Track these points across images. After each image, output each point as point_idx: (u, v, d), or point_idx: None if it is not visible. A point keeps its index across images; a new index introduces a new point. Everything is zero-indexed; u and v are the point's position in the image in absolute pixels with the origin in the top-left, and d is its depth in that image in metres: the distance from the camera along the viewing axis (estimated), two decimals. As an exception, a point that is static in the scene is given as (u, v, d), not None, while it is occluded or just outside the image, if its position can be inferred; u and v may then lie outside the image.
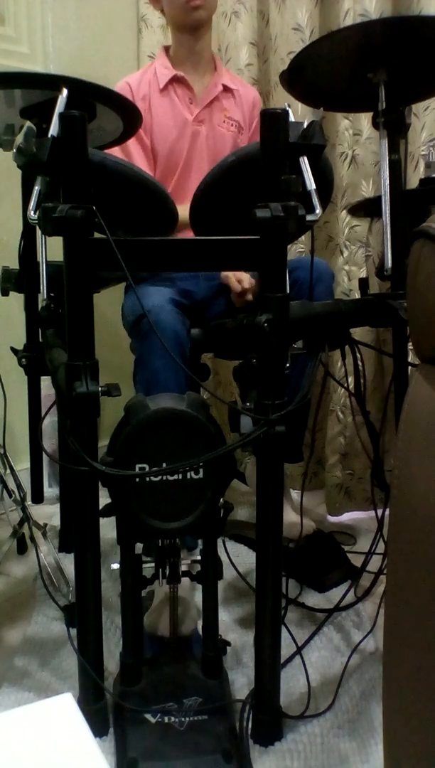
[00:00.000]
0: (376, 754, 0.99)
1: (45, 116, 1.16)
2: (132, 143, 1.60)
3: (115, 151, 1.53)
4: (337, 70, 1.25)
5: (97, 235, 0.94)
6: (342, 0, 1.73)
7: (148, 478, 0.95)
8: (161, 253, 0.97)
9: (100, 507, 0.98)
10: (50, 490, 1.98)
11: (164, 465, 0.94)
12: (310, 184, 1.01)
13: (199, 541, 1.07)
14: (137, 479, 0.95)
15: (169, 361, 1.29)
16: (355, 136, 1.81)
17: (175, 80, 1.70)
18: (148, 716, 0.99)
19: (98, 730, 1.02)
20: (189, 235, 1.27)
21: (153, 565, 1.07)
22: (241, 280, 1.51)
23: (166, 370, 1.31)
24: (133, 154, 1.64)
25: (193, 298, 1.56)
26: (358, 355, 1.26)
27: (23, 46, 1.90)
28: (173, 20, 1.69)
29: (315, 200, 1.00)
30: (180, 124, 1.68)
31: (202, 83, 1.73)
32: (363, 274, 1.83)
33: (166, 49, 1.76)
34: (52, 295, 1.19)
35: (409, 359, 1.27)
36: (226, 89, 1.73)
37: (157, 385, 1.31)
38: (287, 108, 0.96)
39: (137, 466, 0.94)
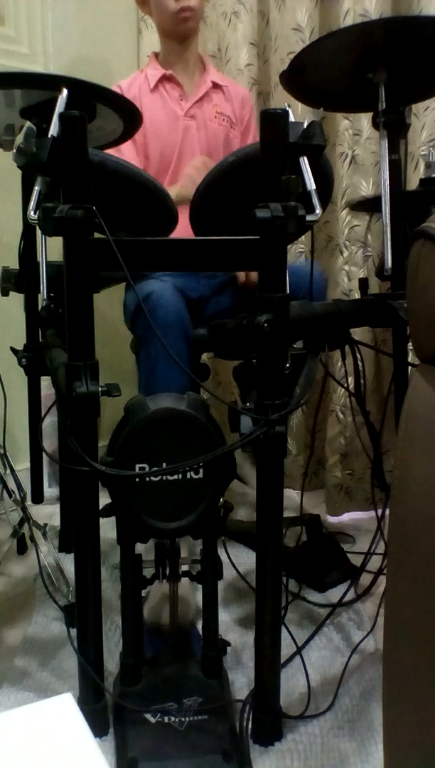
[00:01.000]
0: (376, 754, 0.99)
1: (45, 116, 1.16)
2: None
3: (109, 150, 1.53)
4: (337, 70, 1.25)
5: (97, 235, 0.94)
6: (342, 0, 1.74)
7: (147, 478, 0.95)
8: (161, 253, 0.97)
9: (100, 507, 0.98)
10: (50, 490, 1.98)
11: (164, 465, 0.94)
12: (310, 184, 1.01)
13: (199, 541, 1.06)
14: (137, 479, 0.95)
15: (171, 343, 1.28)
16: (355, 136, 1.81)
17: (165, 79, 1.73)
18: (148, 716, 0.99)
19: (98, 730, 1.02)
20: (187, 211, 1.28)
21: (153, 565, 1.07)
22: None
23: (169, 355, 1.31)
24: (122, 149, 1.64)
25: (191, 295, 1.56)
26: (358, 355, 1.26)
27: (23, 46, 1.90)
28: (162, 28, 1.74)
29: (315, 200, 1.00)
30: (171, 120, 1.70)
31: (192, 81, 1.76)
32: (363, 274, 1.83)
33: (156, 54, 1.81)
34: (52, 295, 1.19)
35: (409, 359, 1.27)
36: (216, 86, 1.77)
37: (158, 367, 1.30)
38: (287, 108, 0.96)
39: (137, 466, 0.94)
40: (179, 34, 1.70)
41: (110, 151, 1.52)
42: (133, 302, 1.49)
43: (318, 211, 0.99)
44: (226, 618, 1.34)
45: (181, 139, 1.70)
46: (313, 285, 1.47)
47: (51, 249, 1.16)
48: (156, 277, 1.47)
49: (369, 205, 1.49)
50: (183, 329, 1.32)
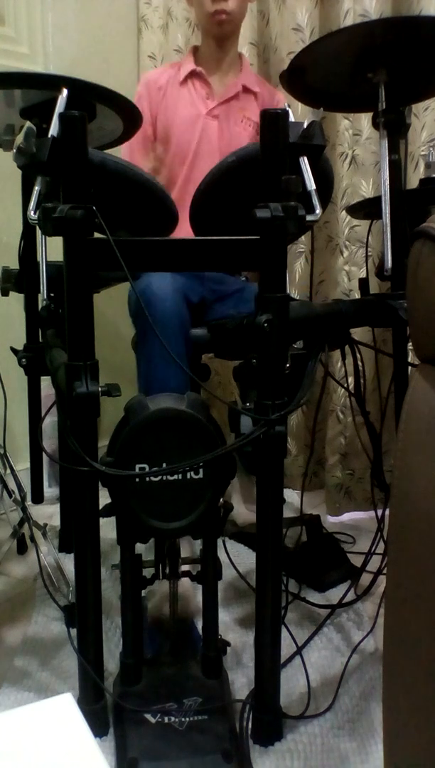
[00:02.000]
0: (376, 754, 0.99)
1: (45, 116, 1.16)
2: (135, 137, 1.60)
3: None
4: (337, 70, 1.25)
5: (97, 235, 0.94)
6: (342, 0, 1.73)
7: (148, 478, 0.95)
8: (161, 253, 0.97)
9: (100, 507, 0.98)
10: (50, 490, 1.98)
11: (164, 465, 0.94)
12: (310, 184, 1.01)
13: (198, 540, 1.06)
14: (137, 479, 0.95)
15: (170, 341, 1.28)
16: (355, 136, 1.81)
17: (194, 74, 1.72)
18: (148, 716, 0.99)
19: (98, 730, 1.02)
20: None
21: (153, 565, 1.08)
22: None
23: (167, 354, 1.31)
24: (133, 146, 1.64)
25: (192, 296, 1.56)
26: (358, 355, 1.26)
27: (23, 46, 1.90)
28: (200, 25, 1.74)
29: (315, 200, 1.00)
30: (192, 116, 1.69)
31: (223, 82, 1.74)
32: (363, 274, 1.83)
33: (196, 48, 1.79)
34: (52, 295, 1.19)
35: (409, 359, 1.27)
36: (248, 90, 1.74)
37: (158, 364, 1.30)
38: (287, 108, 0.96)
39: (137, 466, 0.94)
40: (214, 35, 1.70)
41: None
42: (135, 298, 1.49)
43: (318, 211, 0.99)
44: (226, 618, 1.34)
45: (199, 138, 1.69)
46: None
47: (51, 249, 1.16)
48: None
49: (368, 210, 1.49)
50: (181, 327, 1.32)
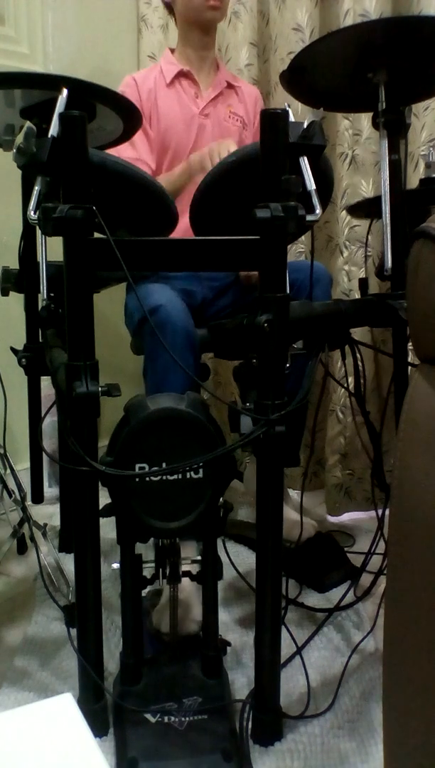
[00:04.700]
0: (376, 754, 0.99)
1: (45, 116, 1.16)
2: (137, 134, 1.60)
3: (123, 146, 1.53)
4: (337, 70, 1.25)
5: (97, 235, 0.95)
6: (342, 0, 1.74)
7: (147, 478, 0.95)
8: (161, 253, 0.97)
9: (100, 507, 0.98)
10: (50, 490, 1.98)
11: (164, 465, 0.94)
12: (310, 184, 1.01)
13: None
14: (137, 479, 0.95)
15: (178, 357, 1.28)
16: (355, 136, 1.81)
17: (181, 75, 1.72)
18: (148, 716, 0.99)
19: (98, 730, 1.02)
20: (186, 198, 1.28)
21: (153, 565, 1.07)
22: None
23: (177, 367, 1.31)
24: (136, 143, 1.64)
25: (193, 298, 1.56)
26: (358, 355, 1.26)
27: (23, 46, 1.90)
28: (186, 17, 1.71)
29: (315, 200, 1.00)
30: (187, 117, 1.69)
31: (207, 80, 1.75)
32: (363, 274, 1.83)
33: (172, 50, 1.80)
34: (52, 295, 1.19)
35: (409, 359, 1.27)
36: (230, 86, 1.77)
37: (167, 381, 1.30)
38: (287, 108, 0.96)
39: (137, 466, 0.94)
40: (203, 23, 1.69)
41: (123, 145, 1.52)
42: (137, 308, 1.48)
43: (318, 211, 0.99)
44: (226, 618, 1.34)
45: (196, 138, 1.69)
46: (320, 282, 1.47)
47: (51, 249, 1.16)
48: (160, 282, 1.47)
49: (367, 209, 1.49)
50: (190, 344, 1.32)
